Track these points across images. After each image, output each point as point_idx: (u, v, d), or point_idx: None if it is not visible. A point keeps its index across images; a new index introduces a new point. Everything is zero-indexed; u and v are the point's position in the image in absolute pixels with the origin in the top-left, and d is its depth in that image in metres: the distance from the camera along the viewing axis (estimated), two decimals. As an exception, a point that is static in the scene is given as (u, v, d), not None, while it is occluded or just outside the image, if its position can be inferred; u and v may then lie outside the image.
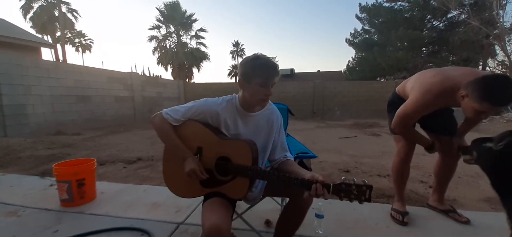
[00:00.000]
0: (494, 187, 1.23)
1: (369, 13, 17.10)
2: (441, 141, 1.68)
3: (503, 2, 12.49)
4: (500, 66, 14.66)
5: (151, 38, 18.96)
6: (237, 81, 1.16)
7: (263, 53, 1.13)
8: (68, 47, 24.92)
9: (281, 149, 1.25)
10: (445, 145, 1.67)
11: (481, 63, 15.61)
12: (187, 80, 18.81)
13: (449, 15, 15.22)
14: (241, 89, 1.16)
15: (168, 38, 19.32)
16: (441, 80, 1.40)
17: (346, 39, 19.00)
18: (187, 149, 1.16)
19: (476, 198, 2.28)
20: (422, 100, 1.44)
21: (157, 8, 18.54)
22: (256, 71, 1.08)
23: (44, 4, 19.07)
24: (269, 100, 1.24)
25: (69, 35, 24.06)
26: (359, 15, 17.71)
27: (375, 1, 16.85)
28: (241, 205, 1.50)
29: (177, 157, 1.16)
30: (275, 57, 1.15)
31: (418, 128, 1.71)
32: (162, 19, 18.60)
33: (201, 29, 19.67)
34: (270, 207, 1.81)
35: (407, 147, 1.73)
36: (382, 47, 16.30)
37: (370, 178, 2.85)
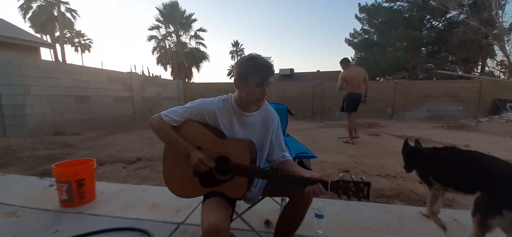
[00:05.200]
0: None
1: (368, 13, 17.11)
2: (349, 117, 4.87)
3: (502, 2, 12.53)
4: (499, 66, 14.72)
5: (151, 38, 18.93)
6: (233, 81, 1.16)
7: (259, 53, 1.15)
8: (67, 47, 24.92)
9: (279, 150, 1.26)
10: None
11: (480, 63, 15.64)
12: (186, 80, 18.79)
13: (448, 15, 15.24)
14: (237, 89, 1.17)
15: (168, 38, 19.29)
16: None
17: (345, 39, 19.01)
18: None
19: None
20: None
21: (156, 8, 18.57)
22: (252, 71, 1.10)
23: (43, 3, 19.04)
24: (266, 101, 1.25)
25: (68, 35, 23.99)
26: (359, 15, 17.73)
27: (374, 1, 16.89)
28: (241, 205, 1.50)
29: (179, 154, 1.16)
30: (270, 57, 1.16)
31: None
32: (161, 19, 18.58)
33: (200, 29, 19.66)
34: (270, 207, 1.81)
35: (353, 117, 4.91)
36: (382, 47, 16.30)
37: (369, 178, 2.85)
